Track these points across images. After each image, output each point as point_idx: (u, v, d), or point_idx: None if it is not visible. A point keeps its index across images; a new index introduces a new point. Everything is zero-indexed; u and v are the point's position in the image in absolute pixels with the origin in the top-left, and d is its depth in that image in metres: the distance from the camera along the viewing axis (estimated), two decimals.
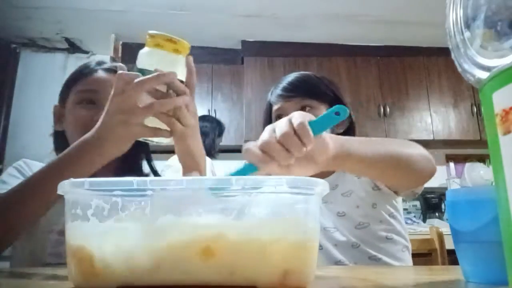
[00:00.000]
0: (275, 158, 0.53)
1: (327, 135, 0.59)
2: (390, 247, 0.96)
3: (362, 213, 0.97)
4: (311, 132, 0.53)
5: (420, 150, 0.76)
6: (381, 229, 0.96)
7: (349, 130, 1.06)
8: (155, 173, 0.97)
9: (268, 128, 0.56)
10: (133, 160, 0.94)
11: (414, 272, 0.69)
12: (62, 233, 0.81)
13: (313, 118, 0.55)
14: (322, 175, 1.02)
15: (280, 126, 0.54)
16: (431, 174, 0.77)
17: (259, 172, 0.54)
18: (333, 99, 1.02)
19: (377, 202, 0.97)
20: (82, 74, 0.92)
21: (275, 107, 1.03)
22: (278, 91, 1.03)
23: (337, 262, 0.94)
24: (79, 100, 0.89)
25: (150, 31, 0.67)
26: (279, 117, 1.01)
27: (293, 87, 1.01)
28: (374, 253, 0.94)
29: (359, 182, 0.99)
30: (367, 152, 0.66)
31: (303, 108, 0.97)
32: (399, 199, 1.03)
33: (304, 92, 1.00)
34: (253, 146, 0.54)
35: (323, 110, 0.99)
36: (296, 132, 0.52)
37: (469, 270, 0.45)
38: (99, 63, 0.94)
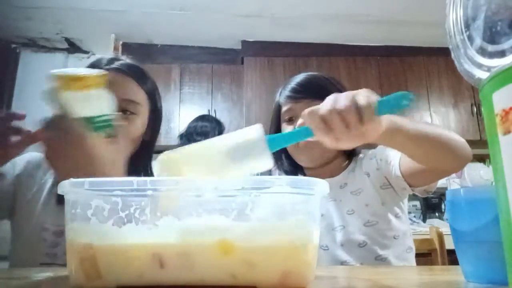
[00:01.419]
0: (333, 130, 0.54)
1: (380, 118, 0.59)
2: (396, 247, 0.95)
3: (371, 211, 0.96)
4: (373, 114, 0.53)
5: (458, 136, 0.79)
6: (389, 228, 0.96)
7: None
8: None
9: (331, 97, 0.56)
10: (138, 161, 0.93)
11: (414, 272, 0.69)
12: (58, 234, 0.81)
13: (377, 98, 0.55)
14: (330, 174, 1.02)
15: (345, 99, 0.54)
16: (467, 159, 0.79)
17: (312, 138, 0.55)
18: None
19: (386, 202, 0.97)
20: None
21: (284, 109, 1.02)
22: (287, 92, 1.02)
23: (343, 263, 0.93)
24: None
25: (54, 72, 0.62)
26: (290, 119, 1.01)
27: (302, 88, 1.00)
28: (380, 252, 0.93)
29: (368, 180, 0.98)
30: (415, 130, 0.69)
31: None
32: (405, 200, 1.02)
33: (313, 93, 0.99)
34: (315, 111, 0.55)
35: None
36: (359, 110, 0.52)
37: (469, 270, 0.45)
38: (109, 62, 0.90)
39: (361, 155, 1.07)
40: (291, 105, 1.00)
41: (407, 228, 1.01)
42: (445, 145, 0.75)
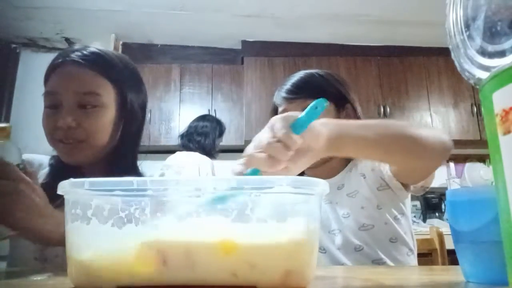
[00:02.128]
0: (274, 164, 0.54)
1: (317, 123, 0.59)
2: (393, 250, 0.95)
3: (366, 214, 0.95)
4: (293, 136, 0.54)
5: (432, 131, 0.74)
6: (385, 231, 0.95)
7: None
8: (139, 174, 0.91)
9: (254, 139, 0.58)
10: (120, 159, 0.87)
11: (414, 272, 0.69)
12: None
13: (294, 117, 0.57)
14: (328, 174, 1.02)
15: (261, 138, 0.55)
16: (443, 152, 0.74)
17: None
18: (338, 97, 1.01)
19: (383, 204, 0.96)
20: (51, 68, 0.83)
21: (280, 109, 1.03)
22: (282, 93, 1.02)
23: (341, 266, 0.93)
24: (45, 104, 0.83)
25: None
26: None
27: (296, 89, 1.01)
28: (377, 256, 0.93)
29: (365, 181, 0.98)
30: (366, 133, 0.66)
31: None
32: (407, 201, 1.01)
33: (307, 93, 0.99)
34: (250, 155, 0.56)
35: (327, 109, 0.98)
36: (279, 140, 0.54)
37: (469, 270, 0.45)
38: (69, 52, 0.83)
39: None
40: (286, 106, 1.01)
41: (408, 230, 1.00)
42: (407, 142, 0.69)
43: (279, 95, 1.03)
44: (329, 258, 0.94)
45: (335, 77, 1.06)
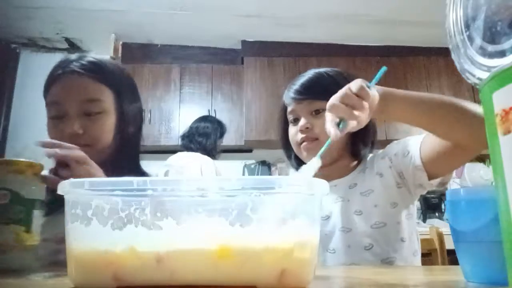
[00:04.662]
0: (341, 113, 0.69)
1: (374, 90, 0.73)
2: (403, 250, 0.94)
3: (379, 213, 0.94)
4: (366, 89, 0.69)
5: (476, 107, 0.75)
6: (397, 230, 0.94)
7: (367, 127, 1.01)
8: (144, 175, 0.94)
9: (337, 94, 0.71)
10: (123, 161, 0.90)
11: (414, 272, 0.69)
12: (59, 241, 0.80)
13: (365, 82, 0.71)
14: (339, 174, 1.02)
15: (343, 92, 0.70)
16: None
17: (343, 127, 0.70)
18: None
19: (397, 203, 0.95)
20: (51, 79, 0.87)
21: (288, 109, 1.03)
22: (290, 93, 1.02)
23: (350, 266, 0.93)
24: (48, 115, 0.86)
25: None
26: (295, 120, 1.01)
27: (304, 89, 1.00)
28: (387, 255, 0.92)
29: (380, 181, 0.96)
30: (412, 95, 0.78)
31: (316, 111, 0.98)
32: (415, 203, 1.01)
33: (314, 94, 0.98)
34: (336, 105, 0.70)
35: None
36: (356, 94, 0.68)
37: (469, 270, 0.45)
38: (67, 63, 0.87)
39: (371, 155, 1.06)
40: (293, 106, 1.01)
41: (414, 231, 0.99)
42: (455, 112, 0.75)
43: (288, 95, 1.03)
44: (337, 259, 0.93)
45: (345, 76, 1.05)
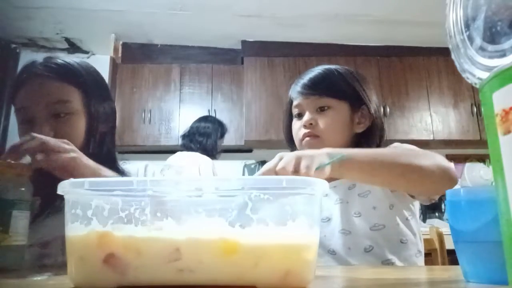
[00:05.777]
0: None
1: (324, 151, 0.69)
2: (404, 251, 0.94)
3: (378, 214, 0.94)
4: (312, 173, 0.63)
5: (436, 161, 0.77)
6: (396, 232, 0.94)
7: (372, 128, 1.01)
8: (122, 173, 0.92)
9: (276, 157, 0.67)
10: (99, 162, 0.88)
11: (414, 272, 0.69)
12: (43, 245, 0.79)
13: (322, 161, 0.66)
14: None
15: (286, 161, 0.65)
16: (448, 184, 0.77)
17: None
18: (354, 97, 0.99)
19: (395, 205, 0.95)
20: (17, 84, 0.87)
21: (294, 103, 1.01)
22: (298, 87, 1.01)
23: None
24: (18, 120, 0.86)
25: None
26: (299, 115, 1.00)
27: (312, 84, 0.99)
28: (387, 257, 0.92)
29: None
30: (369, 160, 0.74)
31: (321, 108, 0.97)
32: (416, 203, 1.01)
33: (322, 90, 0.98)
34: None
35: (342, 108, 0.97)
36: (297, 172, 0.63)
37: (469, 270, 0.45)
38: (32, 67, 0.86)
39: None
40: (300, 101, 1.00)
41: (417, 231, 0.99)
42: (409, 173, 0.75)
43: (295, 89, 1.02)
44: (338, 261, 0.93)
45: (354, 75, 1.04)
